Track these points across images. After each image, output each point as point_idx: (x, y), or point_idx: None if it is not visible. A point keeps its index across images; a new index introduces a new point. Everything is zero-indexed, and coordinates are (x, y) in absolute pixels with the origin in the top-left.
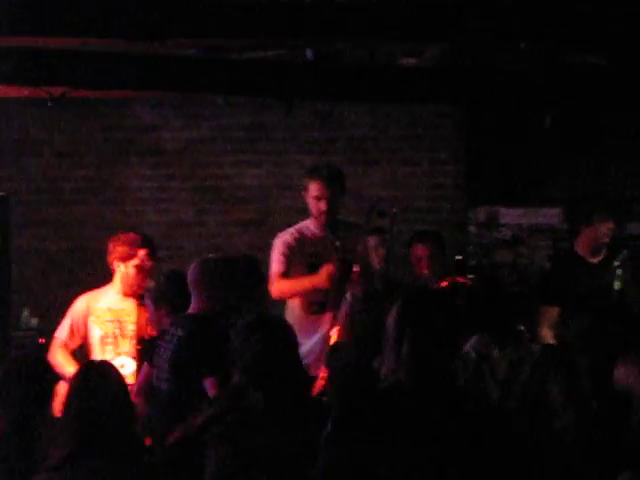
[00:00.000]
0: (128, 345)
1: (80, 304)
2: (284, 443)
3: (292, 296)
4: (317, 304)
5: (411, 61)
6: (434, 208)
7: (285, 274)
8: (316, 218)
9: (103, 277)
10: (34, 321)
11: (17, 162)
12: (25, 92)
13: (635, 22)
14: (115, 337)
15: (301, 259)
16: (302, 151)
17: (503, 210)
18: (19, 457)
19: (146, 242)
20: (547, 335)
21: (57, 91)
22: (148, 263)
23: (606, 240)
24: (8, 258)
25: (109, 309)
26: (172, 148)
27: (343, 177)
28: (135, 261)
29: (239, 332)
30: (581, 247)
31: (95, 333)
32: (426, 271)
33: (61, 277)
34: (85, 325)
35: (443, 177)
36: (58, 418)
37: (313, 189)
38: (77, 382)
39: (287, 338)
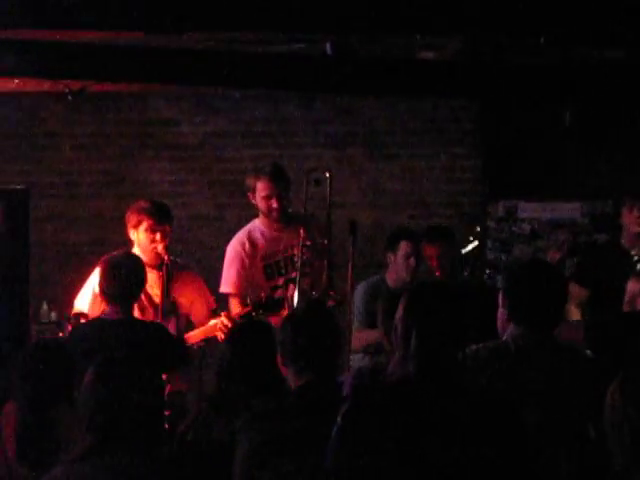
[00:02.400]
0: (152, 316)
1: None
2: (313, 431)
3: None
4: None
5: (430, 55)
6: (453, 202)
7: (237, 293)
8: (267, 217)
9: None
10: (53, 315)
11: (36, 156)
12: (45, 86)
13: None
14: (140, 309)
15: (256, 264)
16: (321, 145)
17: (522, 204)
18: (36, 447)
19: (152, 209)
20: (574, 312)
21: (76, 85)
22: (156, 227)
23: (635, 230)
24: (27, 252)
25: None
26: (191, 142)
27: (286, 173)
28: (143, 226)
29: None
30: (624, 239)
31: None
32: (437, 271)
33: (80, 271)
34: None
35: (462, 171)
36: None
37: (261, 188)
38: (95, 373)
39: (330, 328)
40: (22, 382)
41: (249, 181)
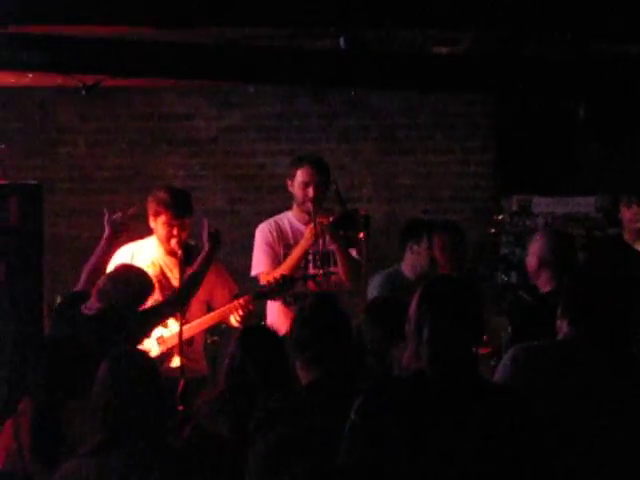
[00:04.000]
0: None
1: (124, 254)
2: (327, 428)
3: None
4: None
5: (443, 49)
6: (466, 197)
7: (266, 271)
8: (300, 206)
9: None
10: None
11: (50, 151)
12: (58, 80)
13: None
14: (160, 289)
15: (278, 250)
16: (334, 139)
17: (536, 199)
18: (51, 443)
19: (172, 202)
20: None
21: (90, 80)
22: (173, 222)
23: (635, 226)
24: (41, 246)
25: (152, 262)
26: (205, 137)
27: (327, 168)
28: (161, 219)
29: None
30: (626, 235)
31: None
32: (447, 263)
33: None
34: None
35: (475, 166)
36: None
37: (301, 174)
38: (106, 371)
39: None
40: (36, 378)
41: (291, 168)
